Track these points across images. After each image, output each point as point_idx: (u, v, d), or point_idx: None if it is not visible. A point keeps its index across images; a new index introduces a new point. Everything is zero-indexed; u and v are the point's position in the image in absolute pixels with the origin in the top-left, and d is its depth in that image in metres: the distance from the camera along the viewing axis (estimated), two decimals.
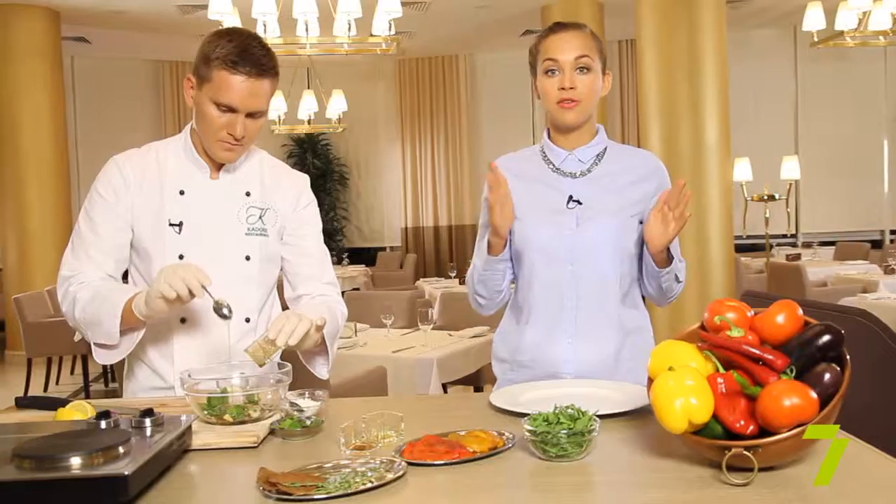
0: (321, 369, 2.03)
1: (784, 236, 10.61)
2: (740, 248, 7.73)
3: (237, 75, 1.82)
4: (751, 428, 1.23)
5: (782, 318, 1.33)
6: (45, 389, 7.01)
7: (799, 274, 6.97)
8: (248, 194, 2.02)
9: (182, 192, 1.98)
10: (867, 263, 7.98)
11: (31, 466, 1.19)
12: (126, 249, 2.00)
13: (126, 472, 1.16)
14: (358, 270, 9.58)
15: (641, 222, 2.01)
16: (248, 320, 2.00)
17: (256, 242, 2.00)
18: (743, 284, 7.33)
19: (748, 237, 9.28)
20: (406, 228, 12.09)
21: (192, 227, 1.96)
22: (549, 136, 2.06)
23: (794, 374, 1.26)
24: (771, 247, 8.48)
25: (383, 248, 12.19)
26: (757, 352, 1.27)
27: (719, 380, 1.27)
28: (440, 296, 6.25)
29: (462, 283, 7.63)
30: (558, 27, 1.99)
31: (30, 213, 8.57)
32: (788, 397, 1.18)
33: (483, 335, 4.70)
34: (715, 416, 1.26)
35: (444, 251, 11.91)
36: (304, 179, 2.15)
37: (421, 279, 9.14)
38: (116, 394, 6.62)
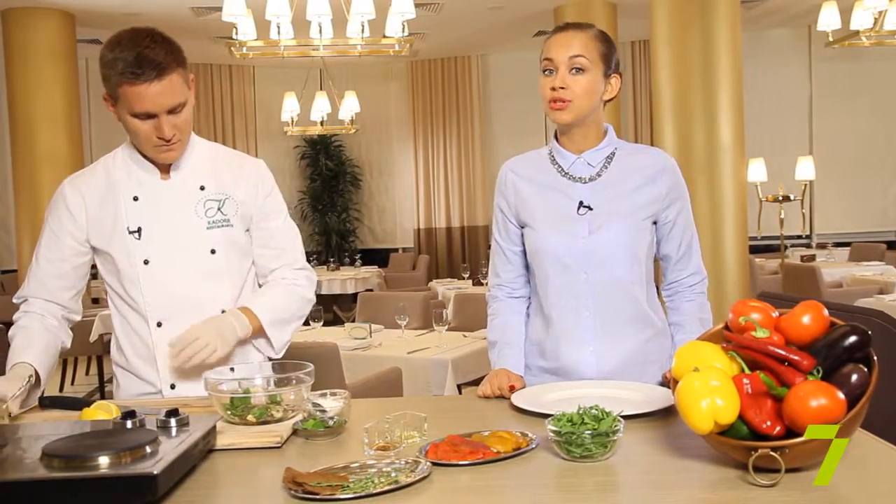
0: (266, 348, 2.08)
1: (798, 237, 10.56)
2: (754, 249, 7.69)
3: (140, 84, 1.81)
4: (777, 429, 1.23)
5: (808, 319, 1.32)
6: (61, 390, 7.05)
7: (814, 275, 6.93)
8: (202, 188, 2.03)
9: (136, 199, 2.00)
10: (883, 264, 7.92)
11: (61, 465, 1.20)
12: (80, 270, 2.05)
13: (155, 472, 1.17)
14: (371, 271, 9.59)
15: (655, 223, 2.00)
16: (223, 312, 2.00)
17: (220, 234, 2.01)
18: (758, 286, 7.30)
19: (762, 238, 9.23)
20: (418, 230, 12.09)
21: (150, 231, 1.98)
22: (557, 139, 2.01)
23: (820, 374, 1.26)
24: (785, 248, 8.44)
25: (395, 250, 12.19)
26: (783, 352, 1.26)
27: (745, 380, 1.27)
28: (454, 297, 6.25)
29: (475, 284, 7.62)
30: (560, 28, 1.96)
31: (44, 215, 8.60)
32: (816, 398, 1.17)
33: None
34: (741, 417, 1.26)
35: (457, 252, 11.90)
36: (260, 166, 2.15)
37: (434, 280, 9.14)
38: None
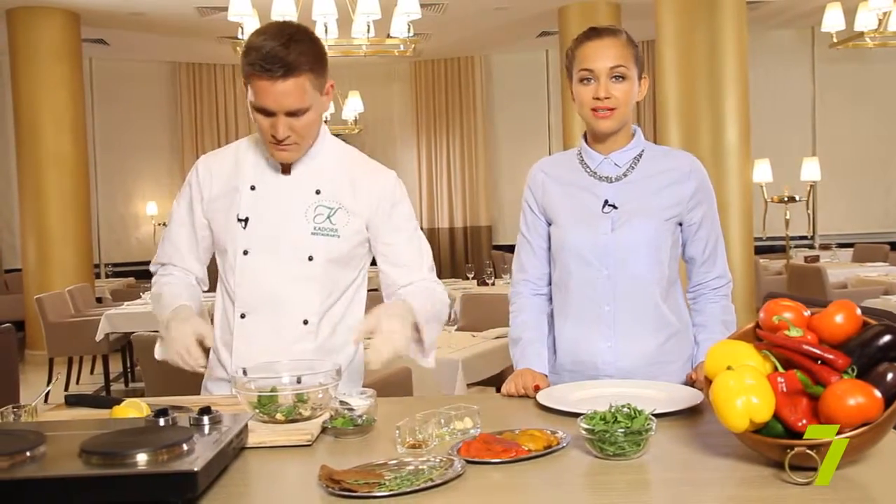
0: (419, 357, 2.00)
1: (801, 238, 10.57)
2: (757, 250, 7.71)
3: (265, 80, 1.80)
4: None
5: (841, 318, 1.33)
6: (66, 389, 7.04)
7: (819, 276, 6.95)
8: (317, 192, 1.98)
9: (253, 188, 1.99)
10: (887, 265, 7.93)
11: (100, 463, 1.21)
12: (204, 243, 2.08)
13: (196, 469, 1.17)
14: (375, 271, 9.54)
15: (681, 224, 2.01)
16: (305, 322, 1.97)
17: (322, 243, 1.96)
18: (762, 286, 7.31)
19: (766, 239, 9.24)
20: (421, 230, 12.08)
21: (256, 222, 1.97)
22: (587, 141, 2.04)
23: (855, 373, 1.26)
24: (788, 248, 8.45)
25: None
26: (818, 351, 1.27)
27: (779, 379, 1.28)
28: (461, 297, 6.24)
29: (480, 284, 7.62)
30: (594, 34, 1.97)
31: (49, 214, 8.61)
32: (853, 396, 1.18)
33: (506, 336, 4.69)
34: (775, 415, 1.26)
35: (460, 252, 11.91)
36: (388, 178, 2.06)
37: None
38: (135, 394, 6.65)
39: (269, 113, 1.84)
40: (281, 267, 1.96)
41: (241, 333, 1.98)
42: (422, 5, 6.32)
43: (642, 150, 2.02)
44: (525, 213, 2.11)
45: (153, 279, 2.12)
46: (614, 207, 1.96)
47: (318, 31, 6.43)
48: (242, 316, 1.99)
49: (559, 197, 2.03)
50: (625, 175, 1.99)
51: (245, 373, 1.71)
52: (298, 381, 1.72)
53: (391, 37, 6.52)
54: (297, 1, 6.31)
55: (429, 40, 10.51)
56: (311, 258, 1.96)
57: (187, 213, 2.06)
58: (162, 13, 8.85)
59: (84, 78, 9.24)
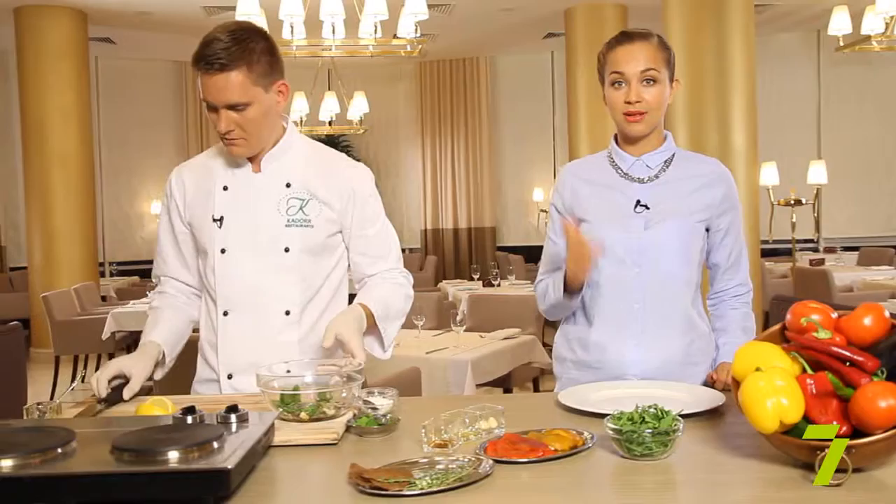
0: (377, 350, 2.07)
1: (806, 241, 10.56)
2: (763, 253, 7.71)
3: (204, 74, 1.87)
4: (843, 429, 1.24)
5: (869, 321, 1.33)
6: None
7: (825, 279, 6.95)
8: (287, 185, 2.03)
9: (225, 188, 2.04)
10: (892, 269, 7.94)
11: (132, 460, 1.21)
12: (190, 250, 2.12)
13: (229, 466, 1.18)
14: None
15: (708, 229, 2.03)
16: (287, 313, 2.01)
17: (297, 234, 2.00)
18: (768, 289, 7.31)
19: (772, 241, 9.24)
20: (426, 230, 12.10)
21: (231, 220, 2.01)
22: (617, 143, 2.06)
23: (885, 375, 1.27)
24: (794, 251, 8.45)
25: (402, 250, 12.14)
26: (847, 353, 1.27)
27: (809, 381, 1.28)
28: (468, 298, 6.24)
29: (485, 285, 7.62)
30: (625, 38, 1.98)
31: (55, 213, 8.62)
32: (885, 398, 1.18)
33: (514, 337, 4.71)
34: (805, 417, 1.26)
35: (464, 253, 11.91)
36: (358, 173, 2.12)
37: (443, 281, 9.14)
38: (141, 392, 6.64)
39: (212, 107, 1.91)
40: (258, 261, 2.00)
41: (225, 331, 2.02)
42: (428, 6, 6.31)
43: (673, 154, 2.05)
44: (552, 215, 2.14)
45: (150, 295, 2.20)
46: (646, 207, 1.98)
47: (326, 32, 6.44)
48: (225, 314, 2.03)
49: (590, 197, 2.05)
50: (656, 177, 2.02)
51: (230, 377, 1.73)
52: (288, 372, 1.77)
53: (398, 37, 6.52)
54: (305, 1, 6.32)
55: (435, 41, 10.52)
56: (287, 249, 2.00)
57: (167, 224, 2.13)
58: (169, 12, 8.86)
59: (90, 77, 9.25)
